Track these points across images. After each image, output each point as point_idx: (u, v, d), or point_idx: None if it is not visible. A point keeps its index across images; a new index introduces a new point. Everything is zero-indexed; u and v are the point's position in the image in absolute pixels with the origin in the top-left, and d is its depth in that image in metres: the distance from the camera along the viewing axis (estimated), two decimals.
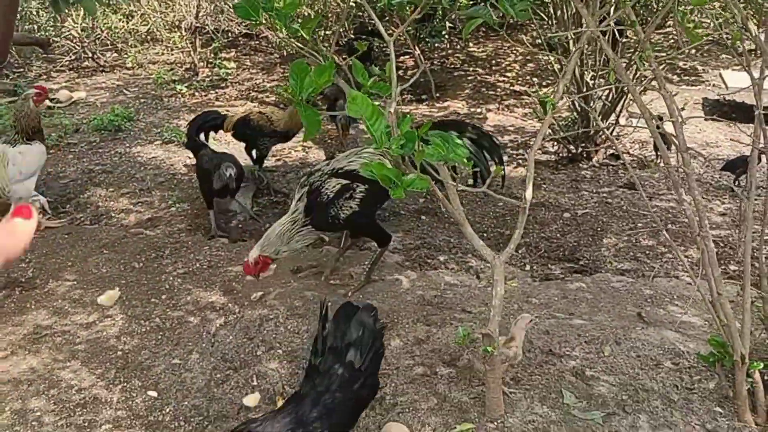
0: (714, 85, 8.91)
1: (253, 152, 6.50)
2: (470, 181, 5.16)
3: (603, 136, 6.91)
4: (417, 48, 9.58)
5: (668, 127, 6.36)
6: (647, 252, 5.25)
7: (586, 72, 6.78)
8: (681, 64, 9.90)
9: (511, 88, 9.10)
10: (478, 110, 8.49)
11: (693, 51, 10.16)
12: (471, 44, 10.75)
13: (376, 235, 4.72)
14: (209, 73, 9.77)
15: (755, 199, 3.39)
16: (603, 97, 6.73)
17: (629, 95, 6.99)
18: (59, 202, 6.42)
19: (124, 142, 7.64)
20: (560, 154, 7.06)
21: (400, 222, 5.86)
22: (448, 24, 9.87)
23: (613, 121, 6.86)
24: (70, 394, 3.81)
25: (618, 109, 6.82)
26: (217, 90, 9.35)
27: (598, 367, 3.82)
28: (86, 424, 3.60)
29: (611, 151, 7.04)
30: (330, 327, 3.05)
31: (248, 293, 4.66)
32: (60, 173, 6.99)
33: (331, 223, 4.48)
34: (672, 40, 10.89)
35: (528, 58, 10.11)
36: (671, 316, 4.29)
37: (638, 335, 4.06)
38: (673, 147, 3.41)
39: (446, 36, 9.99)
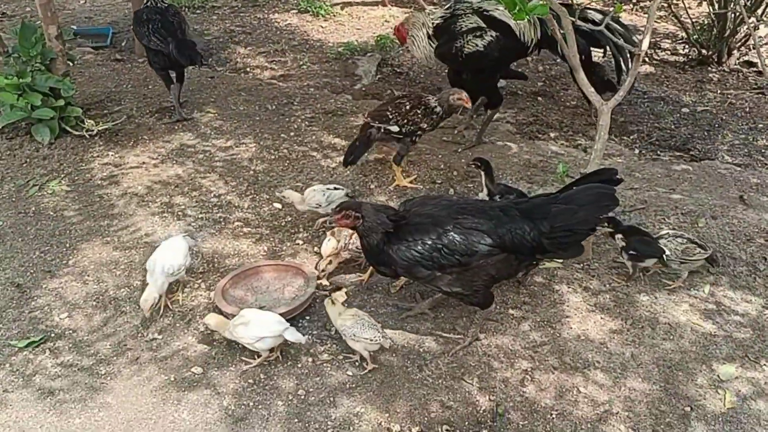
0: None
1: None
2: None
3: (738, 42, 6.69)
4: None
5: None
6: (763, 150, 5.21)
7: None
8: None
9: None
10: (611, 9, 8.32)
11: None
12: None
13: (489, 90, 4.95)
14: None
15: None
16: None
17: None
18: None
19: (263, 9, 8.11)
20: (690, 56, 6.91)
21: (516, 101, 6.03)
22: None
23: (752, 26, 6.61)
24: (208, 197, 4.40)
25: (759, 12, 6.54)
26: None
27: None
28: (221, 220, 4.17)
29: (745, 58, 6.81)
30: None
31: None
32: (204, 31, 7.57)
33: (453, 55, 4.74)
34: None
35: None
36: None
37: (736, 214, 4.16)
38: None
39: None
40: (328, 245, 3.61)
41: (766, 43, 6.92)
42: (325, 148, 4.97)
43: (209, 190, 4.46)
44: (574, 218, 3.01)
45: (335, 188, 4.02)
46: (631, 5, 8.30)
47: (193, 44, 5.16)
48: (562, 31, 3.43)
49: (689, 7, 7.68)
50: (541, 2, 2.85)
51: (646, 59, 6.89)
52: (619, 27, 4.70)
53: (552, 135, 5.40)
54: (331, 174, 4.64)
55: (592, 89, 3.44)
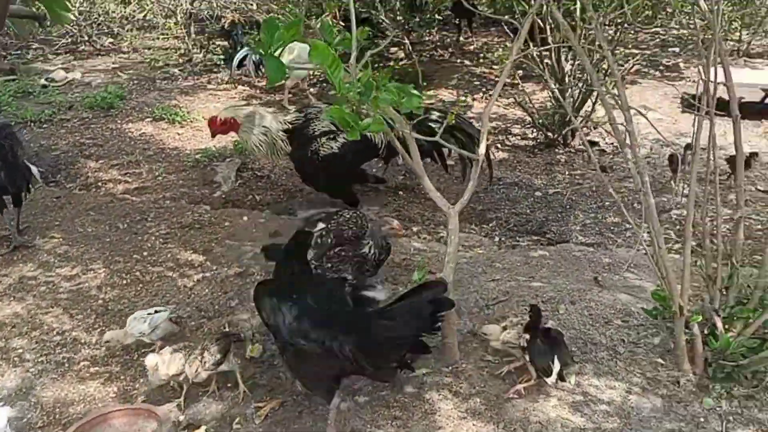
0: (694, 81, 9.13)
1: None
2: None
3: (579, 123, 7.15)
4: (408, 39, 9.85)
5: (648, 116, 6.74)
6: (612, 228, 5.48)
7: (564, 60, 7.04)
8: (665, 61, 10.16)
9: (497, 79, 9.32)
10: (464, 99, 8.72)
11: (677, 49, 10.48)
12: (461, 38, 10.98)
13: (345, 193, 4.95)
14: (202, 58, 10.00)
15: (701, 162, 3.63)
16: (580, 86, 6.98)
17: (609, 84, 7.29)
18: (50, 172, 6.64)
19: (115, 119, 7.85)
20: (538, 140, 7.29)
21: (378, 196, 6.07)
22: (437, 17, 10.17)
23: (589, 108, 7.12)
24: (51, 335, 4.03)
25: (595, 96, 7.03)
26: (209, 74, 9.57)
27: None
28: (65, 361, 3.81)
29: (588, 138, 7.26)
30: None
31: (226, 253, 4.87)
32: (52, 146, 7.21)
33: (309, 158, 4.70)
34: (658, 39, 11.19)
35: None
36: (626, 282, 4.51)
37: (593, 297, 4.28)
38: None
39: (435, 28, 10.26)
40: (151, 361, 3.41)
41: (605, 123, 7.42)
42: (182, 266, 4.73)
43: (52, 327, 4.09)
44: (390, 334, 3.06)
45: (156, 311, 3.80)
46: (481, 94, 8.74)
47: (27, 168, 4.86)
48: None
49: (533, 93, 8.18)
50: (375, 119, 2.86)
51: (499, 146, 7.20)
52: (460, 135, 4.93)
53: (414, 229, 5.44)
54: (188, 294, 4.40)
55: (439, 195, 3.47)
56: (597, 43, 6.32)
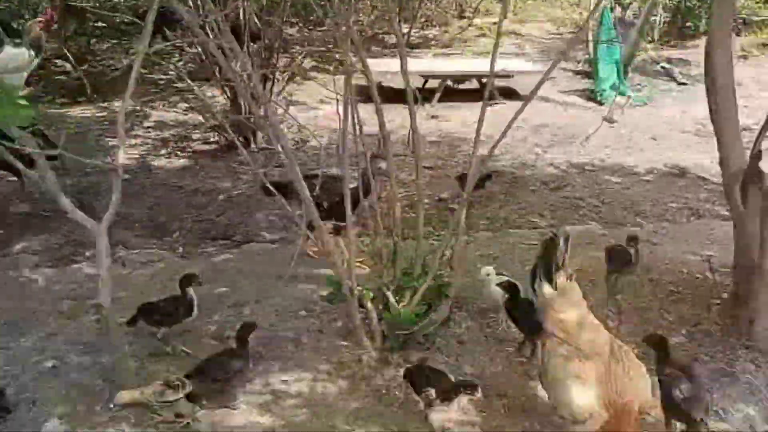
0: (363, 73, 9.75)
1: None
2: None
3: (257, 123, 7.17)
4: (69, 50, 9.08)
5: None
6: (297, 222, 5.55)
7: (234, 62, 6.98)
8: (337, 56, 10.68)
9: (174, 85, 9.00)
10: (140, 108, 8.27)
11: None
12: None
13: None
14: None
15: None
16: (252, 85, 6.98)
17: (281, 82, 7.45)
18: None
19: None
20: (219, 143, 7.16)
21: (44, 222, 5.46)
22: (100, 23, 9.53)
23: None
24: None
25: (270, 95, 7.09)
26: None
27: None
28: None
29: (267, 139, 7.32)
30: None
31: None
32: None
33: None
34: (330, 37, 11.74)
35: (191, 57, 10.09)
36: (310, 272, 4.57)
37: (277, 293, 4.27)
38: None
39: (100, 35, 9.61)
40: None
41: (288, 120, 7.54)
42: None
43: None
44: None
45: None
46: (161, 103, 8.37)
47: None
48: None
49: (214, 96, 8.00)
50: None
51: (179, 152, 6.94)
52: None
53: (87, 254, 4.97)
54: None
55: (82, 214, 3.17)
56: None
